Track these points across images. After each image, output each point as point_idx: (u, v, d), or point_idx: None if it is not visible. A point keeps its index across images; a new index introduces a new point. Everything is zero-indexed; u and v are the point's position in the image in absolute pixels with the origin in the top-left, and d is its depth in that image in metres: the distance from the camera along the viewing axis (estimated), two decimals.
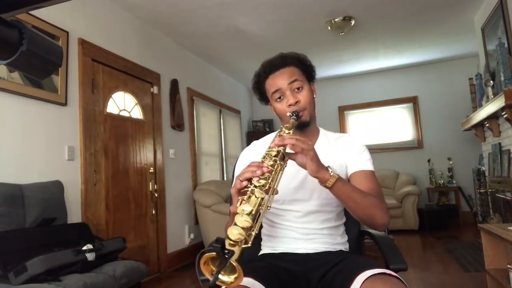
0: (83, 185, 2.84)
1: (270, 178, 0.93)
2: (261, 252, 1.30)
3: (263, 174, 0.92)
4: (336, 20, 4.00)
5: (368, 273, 0.96)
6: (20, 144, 2.42)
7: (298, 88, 1.22)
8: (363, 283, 0.94)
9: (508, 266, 1.98)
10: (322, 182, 1.03)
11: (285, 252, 1.21)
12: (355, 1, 3.66)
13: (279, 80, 1.23)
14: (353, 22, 4.05)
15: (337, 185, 1.03)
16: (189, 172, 4.46)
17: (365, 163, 1.22)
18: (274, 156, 0.99)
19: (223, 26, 4.03)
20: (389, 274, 0.97)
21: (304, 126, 1.24)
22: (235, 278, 0.77)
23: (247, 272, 1.04)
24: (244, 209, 0.85)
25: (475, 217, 4.86)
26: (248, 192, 0.90)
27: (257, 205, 0.86)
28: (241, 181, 0.94)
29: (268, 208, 0.89)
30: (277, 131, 1.28)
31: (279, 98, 1.24)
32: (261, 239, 1.33)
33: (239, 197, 0.91)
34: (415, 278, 3.02)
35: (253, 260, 1.26)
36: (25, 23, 0.49)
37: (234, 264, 0.75)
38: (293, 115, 1.18)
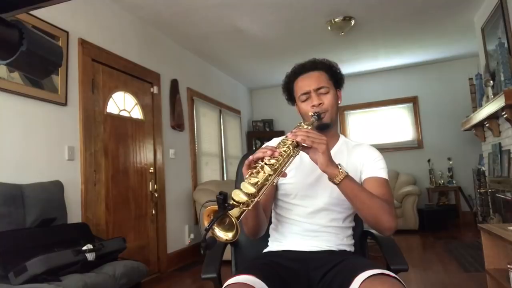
0: (83, 185, 2.84)
1: (280, 161, 0.98)
2: (266, 249, 1.31)
3: (273, 155, 0.98)
4: (336, 20, 4.00)
5: (367, 273, 0.96)
6: (20, 144, 2.41)
7: (324, 92, 1.28)
8: (361, 283, 0.95)
9: (508, 266, 1.98)
10: (331, 178, 1.06)
11: (288, 250, 1.22)
12: (355, 1, 3.66)
13: (308, 83, 1.29)
14: (353, 22, 4.05)
15: (345, 182, 1.06)
16: (189, 172, 4.46)
17: (380, 170, 1.24)
18: (289, 144, 1.04)
19: (223, 26, 4.03)
20: (388, 275, 0.97)
21: (324, 128, 1.27)
22: (233, 236, 0.82)
23: (249, 270, 1.05)
24: (251, 179, 0.91)
25: (475, 217, 4.86)
26: (257, 167, 0.96)
27: (263, 179, 0.92)
28: (253, 160, 1.00)
29: (274, 183, 0.95)
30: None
31: (305, 99, 1.29)
32: (268, 235, 1.35)
33: (248, 170, 0.97)
34: (415, 278, 3.02)
35: (257, 258, 1.26)
36: (25, 23, 0.49)
37: (233, 219, 0.80)
38: (314, 114, 1.23)
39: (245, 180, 0.91)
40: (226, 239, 0.84)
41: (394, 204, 1.19)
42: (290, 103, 1.40)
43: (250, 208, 0.85)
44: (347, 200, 1.21)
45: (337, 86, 1.35)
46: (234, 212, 0.82)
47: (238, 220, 0.81)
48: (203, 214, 0.84)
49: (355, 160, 1.28)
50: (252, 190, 0.87)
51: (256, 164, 0.97)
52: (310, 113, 1.25)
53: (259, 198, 0.89)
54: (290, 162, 1.02)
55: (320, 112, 1.24)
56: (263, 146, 1.06)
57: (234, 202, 0.84)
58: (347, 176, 1.06)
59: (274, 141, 1.33)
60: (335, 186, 1.08)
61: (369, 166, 1.25)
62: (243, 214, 0.84)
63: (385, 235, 1.18)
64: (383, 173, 1.24)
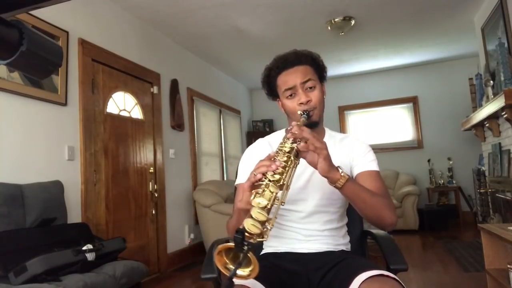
0: (83, 185, 2.84)
1: (284, 174, 0.91)
2: (263, 252, 1.29)
3: (277, 169, 0.91)
4: (336, 20, 4.00)
5: (366, 274, 0.95)
6: (20, 144, 2.41)
7: (310, 87, 1.21)
8: (360, 285, 0.94)
9: (508, 266, 1.98)
10: (332, 182, 1.02)
11: (287, 252, 1.21)
12: (355, 1, 3.66)
13: (293, 78, 1.21)
14: (353, 22, 4.05)
15: (347, 185, 1.02)
16: (189, 172, 4.46)
17: (371, 163, 1.21)
18: (288, 152, 0.97)
19: (223, 26, 4.03)
20: (387, 276, 0.96)
21: (313, 126, 1.22)
22: (251, 271, 0.76)
23: None
24: (259, 202, 0.84)
25: (475, 217, 4.86)
26: (262, 186, 0.88)
27: (272, 199, 0.85)
28: (255, 175, 0.92)
29: (282, 204, 0.88)
30: (285, 129, 1.30)
31: (291, 95, 1.22)
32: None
33: (253, 191, 0.89)
34: (415, 278, 3.02)
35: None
36: (25, 23, 0.49)
37: (251, 256, 0.74)
38: (304, 113, 1.17)
39: (253, 204, 0.83)
40: (247, 275, 0.77)
41: (390, 196, 1.17)
42: (270, 98, 1.32)
43: (265, 239, 0.80)
44: (338, 200, 1.19)
45: (321, 80, 1.28)
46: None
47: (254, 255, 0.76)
48: (214, 253, 0.78)
49: (343, 155, 1.24)
50: (263, 217, 0.81)
51: (261, 182, 0.90)
52: (299, 112, 1.18)
53: (272, 225, 0.82)
54: (293, 174, 0.95)
55: (309, 110, 1.18)
56: (262, 159, 0.95)
57: (248, 234, 0.77)
58: (348, 179, 1.02)
59: (276, 136, 1.30)
60: (325, 187, 1.05)
61: (359, 160, 1.22)
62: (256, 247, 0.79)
63: (387, 230, 1.17)
64: (374, 166, 1.21)
